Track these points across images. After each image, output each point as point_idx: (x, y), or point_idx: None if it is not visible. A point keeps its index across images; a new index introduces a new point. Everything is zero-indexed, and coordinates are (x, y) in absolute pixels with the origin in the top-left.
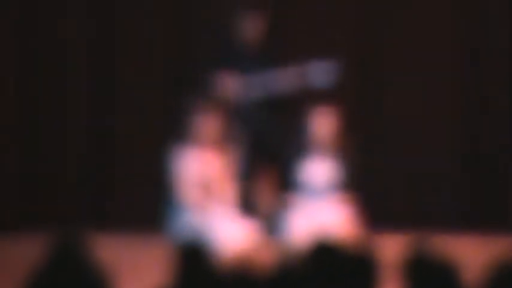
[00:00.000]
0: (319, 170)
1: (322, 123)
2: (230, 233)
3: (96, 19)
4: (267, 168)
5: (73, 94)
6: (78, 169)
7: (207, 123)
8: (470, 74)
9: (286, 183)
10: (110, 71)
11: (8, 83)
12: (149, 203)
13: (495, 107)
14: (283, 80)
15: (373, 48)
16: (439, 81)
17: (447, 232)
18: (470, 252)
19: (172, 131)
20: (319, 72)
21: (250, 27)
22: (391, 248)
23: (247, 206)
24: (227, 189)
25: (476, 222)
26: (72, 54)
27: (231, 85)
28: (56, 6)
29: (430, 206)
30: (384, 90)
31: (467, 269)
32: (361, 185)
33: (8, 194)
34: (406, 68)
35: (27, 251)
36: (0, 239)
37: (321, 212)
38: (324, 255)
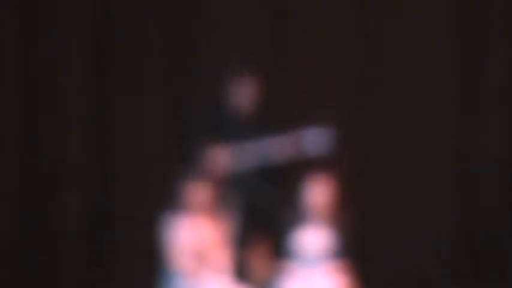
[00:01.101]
0: (313, 238)
1: (318, 192)
2: None
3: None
4: (261, 236)
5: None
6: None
7: (199, 192)
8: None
9: (280, 251)
10: (107, 143)
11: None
12: (143, 271)
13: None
14: (277, 147)
15: (369, 115)
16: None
17: None
18: None
19: (165, 201)
20: (314, 140)
21: (243, 94)
22: None
23: (241, 273)
24: (221, 257)
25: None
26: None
27: (223, 154)
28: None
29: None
30: (379, 159)
31: None
32: (355, 254)
33: None
34: (404, 138)
35: None
36: None
37: (315, 280)
38: None
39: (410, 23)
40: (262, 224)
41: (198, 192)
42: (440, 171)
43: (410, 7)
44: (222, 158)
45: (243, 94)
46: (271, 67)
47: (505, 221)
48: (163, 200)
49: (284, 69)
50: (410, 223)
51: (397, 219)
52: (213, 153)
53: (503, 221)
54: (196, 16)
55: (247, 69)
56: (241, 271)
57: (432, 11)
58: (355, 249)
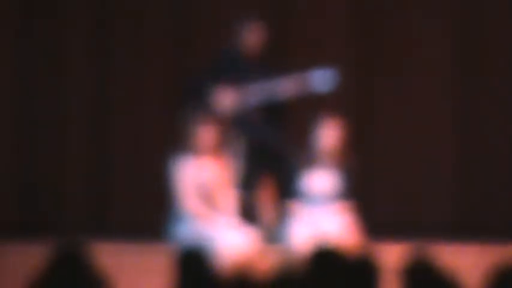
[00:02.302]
0: (320, 179)
1: (328, 135)
2: (231, 240)
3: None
4: (268, 176)
5: (74, 104)
6: (78, 178)
7: (206, 134)
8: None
9: (287, 191)
10: (110, 83)
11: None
12: (151, 211)
13: (487, 124)
14: (284, 87)
15: (369, 56)
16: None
17: (444, 241)
18: (467, 261)
19: (173, 142)
20: (319, 79)
21: (251, 37)
22: (391, 256)
23: (248, 214)
24: (228, 198)
25: (472, 231)
26: (73, 65)
27: (231, 95)
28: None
29: (427, 215)
30: (380, 99)
31: (465, 277)
32: (361, 194)
33: (7, 203)
34: (401, 74)
35: (28, 261)
36: (1, 248)
37: (322, 220)
38: (325, 261)
39: None
40: (269, 165)
41: (205, 134)
42: (444, 114)
43: None
44: (229, 99)
45: (251, 37)
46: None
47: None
48: (170, 143)
49: (290, 13)
50: (413, 164)
51: (399, 161)
52: (219, 95)
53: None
54: None
55: (253, 15)
56: (248, 212)
57: None
58: (360, 191)
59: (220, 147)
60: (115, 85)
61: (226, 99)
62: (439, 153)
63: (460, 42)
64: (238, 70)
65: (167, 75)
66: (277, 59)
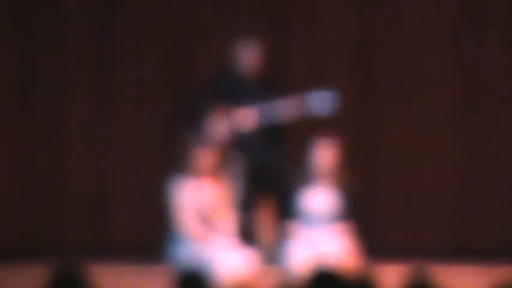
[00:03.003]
0: (319, 200)
1: (324, 154)
2: (230, 262)
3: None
4: (266, 197)
5: (74, 124)
6: (78, 201)
7: (205, 156)
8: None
9: (286, 212)
10: (111, 106)
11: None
12: (150, 232)
13: (488, 146)
14: (283, 109)
15: (369, 78)
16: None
17: (442, 263)
18: (466, 282)
19: (172, 165)
20: (319, 101)
21: (250, 57)
22: (390, 277)
23: (247, 235)
24: (227, 219)
25: (470, 253)
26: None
27: (229, 117)
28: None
29: (426, 237)
30: (379, 119)
31: None
32: (360, 216)
33: (6, 224)
34: (402, 95)
35: (28, 281)
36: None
37: (321, 241)
38: (325, 283)
39: None
40: (268, 185)
41: (203, 156)
42: (444, 134)
43: None
44: (228, 121)
45: (250, 57)
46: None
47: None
48: (170, 165)
49: (289, 31)
50: (413, 185)
51: (399, 182)
52: (218, 117)
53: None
54: None
55: (252, 34)
56: (247, 234)
57: None
58: (359, 211)
59: (218, 169)
60: (115, 110)
61: (223, 122)
62: (438, 175)
63: (460, 62)
64: (236, 91)
65: (167, 95)
66: (277, 79)
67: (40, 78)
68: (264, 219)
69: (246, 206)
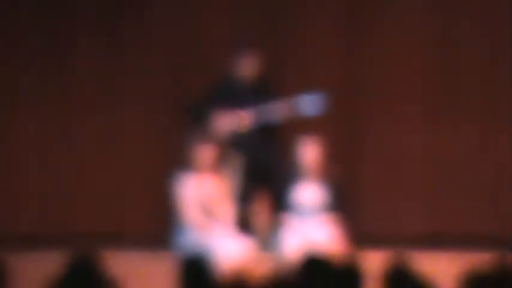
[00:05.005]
0: (308, 193)
1: (309, 152)
2: (228, 249)
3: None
4: (262, 190)
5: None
6: (92, 193)
7: (205, 153)
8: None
9: (279, 204)
10: (118, 109)
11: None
12: (157, 223)
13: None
14: (276, 110)
15: (354, 83)
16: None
17: (421, 249)
18: (442, 267)
19: (175, 161)
20: (308, 103)
21: (248, 66)
22: (373, 263)
23: (244, 225)
24: (225, 210)
25: (446, 241)
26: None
27: (229, 118)
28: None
29: (406, 226)
30: (362, 119)
31: (439, 282)
32: (345, 207)
33: (25, 212)
34: (384, 100)
35: (45, 268)
36: (18, 256)
37: (310, 230)
38: (314, 267)
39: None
40: (263, 180)
41: (204, 153)
42: (420, 129)
43: None
44: (228, 121)
45: (248, 65)
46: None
47: None
48: (174, 161)
49: (283, 42)
50: (395, 181)
51: (382, 177)
52: (217, 119)
53: None
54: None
55: (250, 46)
56: (244, 223)
57: None
58: (345, 203)
59: (218, 165)
60: (126, 111)
61: (223, 122)
62: (417, 169)
63: (441, 73)
64: (235, 95)
65: (169, 98)
66: (272, 82)
67: None
68: (260, 211)
69: (243, 199)
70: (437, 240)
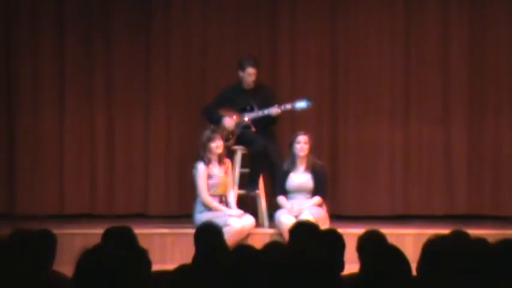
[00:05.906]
0: (298, 179)
1: (300, 146)
2: (235, 225)
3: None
4: (262, 176)
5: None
6: (123, 175)
7: (218, 147)
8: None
9: (277, 188)
10: (146, 112)
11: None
12: (182, 202)
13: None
14: (274, 110)
15: (336, 89)
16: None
17: (392, 227)
18: (408, 242)
19: (194, 153)
20: (299, 104)
21: (251, 74)
22: (351, 239)
23: (247, 205)
24: (233, 193)
25: (414, 218)
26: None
27: (235, 117)
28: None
29: (379, 207)
30: (342, 115)
31: (405, 248)
32: (327, 191)
33: (73, 196)
34: (362, 99)
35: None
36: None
37: (302, 211)
38: (304, 229)
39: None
40: (263, 168)
41: (217, 146)
42: (391, 123)
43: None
44: (234, 120)
45: (250, 75)
46: (268, 61)
47: None
48: (193, 152)
49: (279, 59)
50: (369, 166)
51: (358, 164)
52: (226, 117)
53: None
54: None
55: (251, 62)
56: (247, 204)
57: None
58: (326, 187)
59: (227, 156)
60: (154, 111)
61: (231, 119)
62: (388, 157)
63: (404, 65)
64: (240, 98)
65: (190, 100)
66: (270, 89)
67: None
68: (261, 194)
69: (249, 183)
70: (406, 219)
